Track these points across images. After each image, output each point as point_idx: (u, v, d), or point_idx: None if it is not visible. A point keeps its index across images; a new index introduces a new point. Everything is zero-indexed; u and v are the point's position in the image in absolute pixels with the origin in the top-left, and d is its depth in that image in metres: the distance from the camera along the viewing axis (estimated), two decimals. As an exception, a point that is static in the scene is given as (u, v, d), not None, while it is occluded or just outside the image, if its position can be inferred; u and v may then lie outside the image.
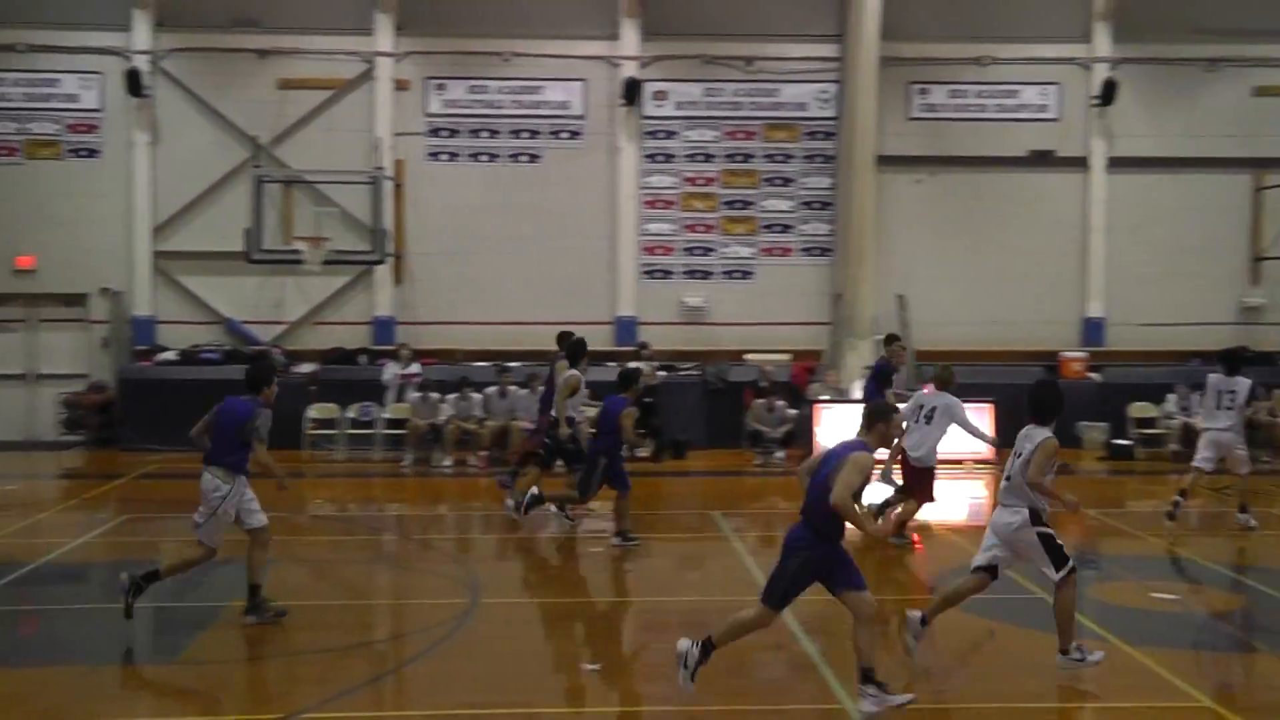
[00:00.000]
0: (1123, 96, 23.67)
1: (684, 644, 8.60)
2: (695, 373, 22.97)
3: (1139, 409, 21.98)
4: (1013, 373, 22.37)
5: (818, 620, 10.75)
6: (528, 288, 23.69)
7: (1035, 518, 9.31)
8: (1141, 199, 24.15)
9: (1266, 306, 24.39)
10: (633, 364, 18.92)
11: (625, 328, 23.73)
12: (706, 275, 24.37)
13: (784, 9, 24.13)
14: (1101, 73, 23.85)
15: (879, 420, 8.76)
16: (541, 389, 17.12)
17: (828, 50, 24.01)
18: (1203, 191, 24.29)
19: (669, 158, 24.23)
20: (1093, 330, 24.10)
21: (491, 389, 20.91)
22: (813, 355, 23.60)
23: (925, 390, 14.56)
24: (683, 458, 21.34)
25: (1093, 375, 22.89)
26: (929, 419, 13.88)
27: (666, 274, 24.30)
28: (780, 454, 20.84)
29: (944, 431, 13.92)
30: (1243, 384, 14.87)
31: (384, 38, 23.50)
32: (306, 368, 22.51)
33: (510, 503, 15.51)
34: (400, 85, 23.67)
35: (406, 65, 23.73)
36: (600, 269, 23.99)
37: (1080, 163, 24.11)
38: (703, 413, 22.47)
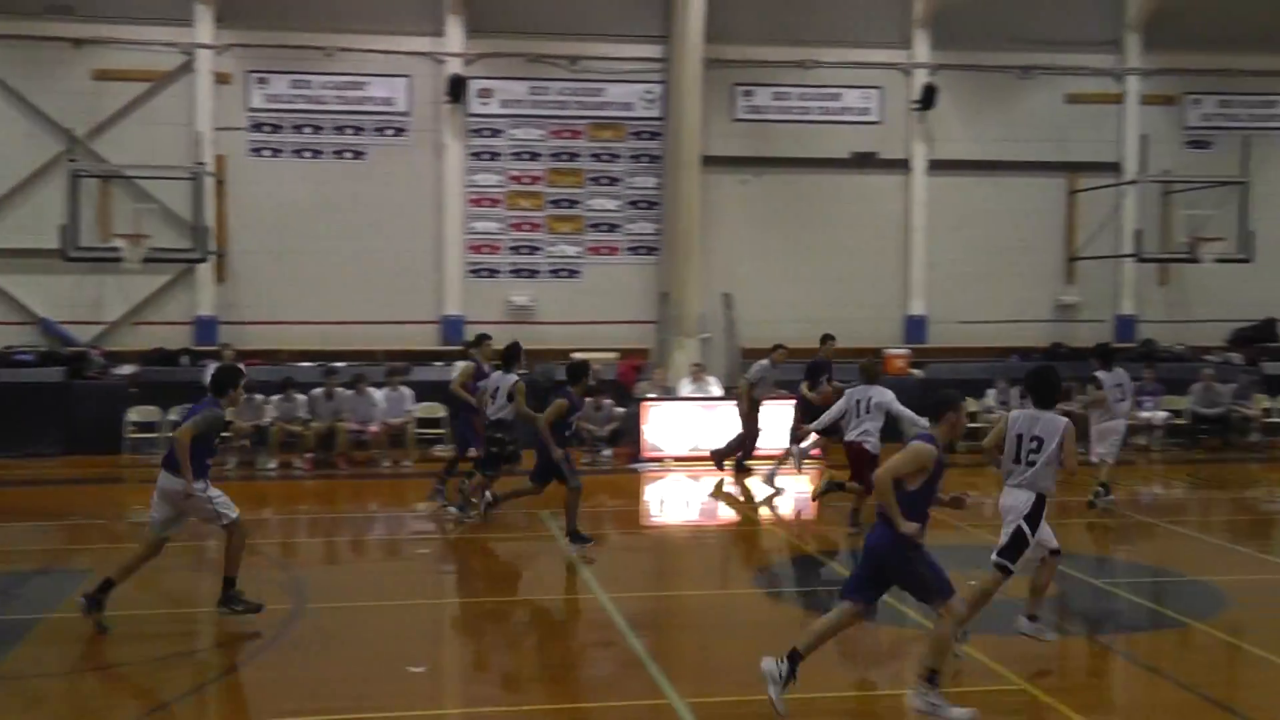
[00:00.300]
0: (942, 101, 24.28)
1: (768, 663, 8.24)
2: (523, 372, 22.75)
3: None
4: (836, 371, 22.88)
5: (646, 616, 10.78)
6: (353, 286, 23.34)
7: (1038, 506, 9.50)
8: (961, 200, 24.80)
9: (1081, 304, 25.25)
10: (578, 355, 18.44)
11: (452, 326, 23.48)
12: (533, 274, 24.27)
13: (609, 9, 24.15)
14: (921, 78, 24.44)
15: (948, 410, 8.75)
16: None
17: (652, 51, 24.09)
18: (1020, 194, 25.05)
19: (494, 156, 24.07)
20: (915, 328, 24.67)
21: (317, 390, 20.48)
22: (640, 354, 23.70)
23: (858, 385, 14.82)
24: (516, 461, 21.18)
25: (915, 372, 23.40)
26: (866, 410, 14.42)
27: (493, 273, 24.14)
28: (607, 452, 20.84)
29: (881, 421, 14.47)
30: (1126, 375, 16.19)
31: (204, 29, 22.83)
32: (126, 369, 21.78)
33: (453, 509, 15.33)
34: (221, 78, 23.05)
35: (227, 58, 23.11)
36: (426, 267, 23.71)
37: (902, 165, 24.68)
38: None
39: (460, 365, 17.33)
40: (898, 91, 24.62)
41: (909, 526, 8.30)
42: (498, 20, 23.76)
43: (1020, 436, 9.55)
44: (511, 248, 24.19)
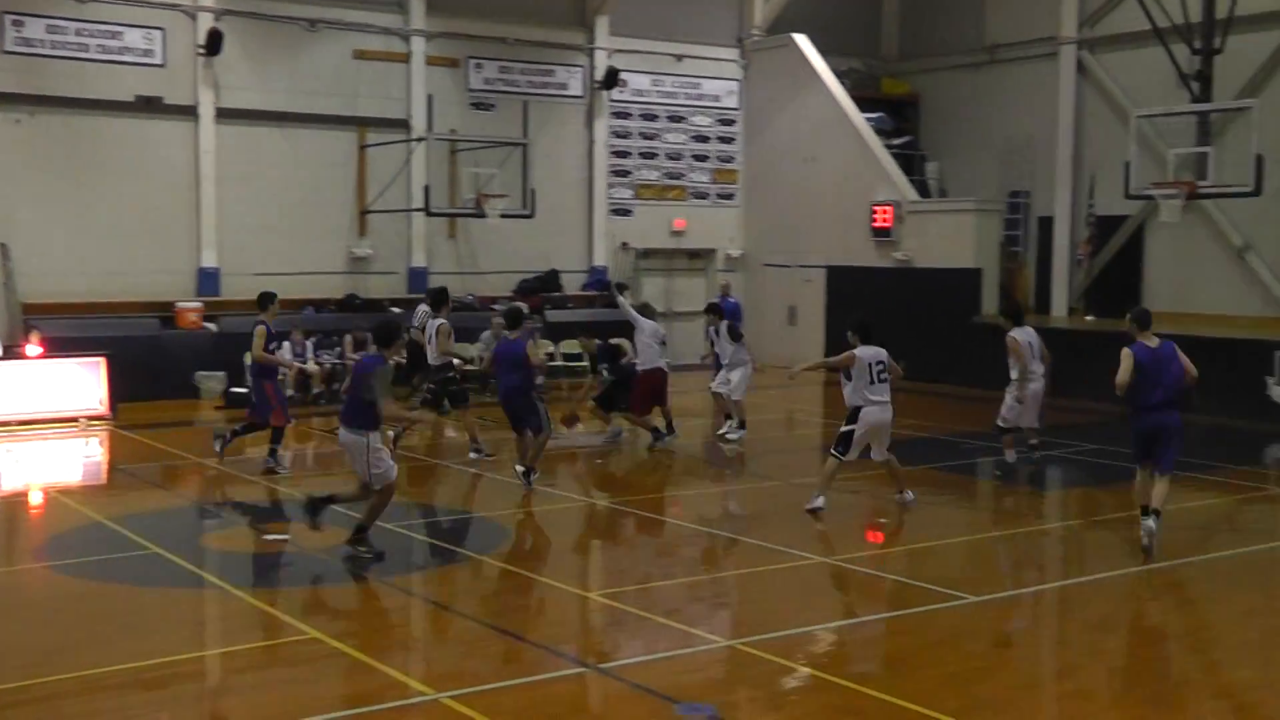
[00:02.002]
0: (230, 49, 23.66)
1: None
2: None
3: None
4: (128, 325, 22.01)
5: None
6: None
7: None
8: (252, 151, 24.34)
9: (374, 257, 25.69)
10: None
11: None
12: None
13: None
14: (207, 22, 23.63)
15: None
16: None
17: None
18: (311, 146, 24.99)
19: None
20: (208, 281, 23.95)
21: None
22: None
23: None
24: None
25: (209, 325, 22.82)
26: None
27: None
28: None
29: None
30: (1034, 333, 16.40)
31: None
32: None
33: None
34: None
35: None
36: None
37: (189, 111, 23.75)
38: None
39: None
40: (183, 34, 23.62)
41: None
42: None
43: (870, 365, 13.05)
44: None
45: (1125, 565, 11.50)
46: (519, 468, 14.77)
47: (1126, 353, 11.49)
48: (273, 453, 15.92)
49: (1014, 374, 15.81)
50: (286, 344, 22.01)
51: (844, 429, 13.30)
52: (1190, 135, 22.86)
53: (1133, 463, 11.94)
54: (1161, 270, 26.16)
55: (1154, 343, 11.59)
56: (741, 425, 18.42)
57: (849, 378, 13.23)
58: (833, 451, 13.36)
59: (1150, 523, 11.28)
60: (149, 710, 7.82)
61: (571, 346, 23.94)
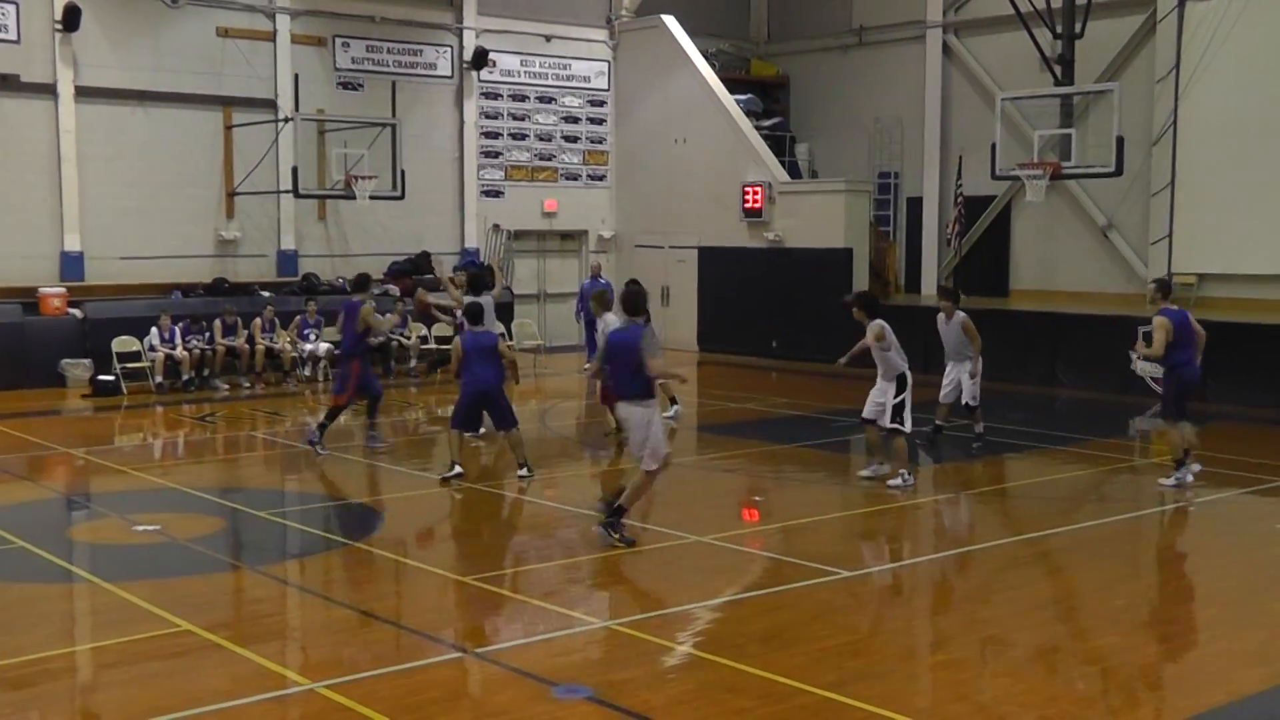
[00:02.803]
0: (88, 24, 23.02)
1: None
2: None
3: (122, 343, 21.72)
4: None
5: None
6: None
7: None
8: (115, 131, 23.73)
9: (242, 239, 25.22)
10: None
11: None
12: None
13: None
14: (63, -2, 22.98)
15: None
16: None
17: None
18: (177, 126, 24.42)
19: None
20: (71, 265, 23.30)
21: None
22: None
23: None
24: None
25: (74, 311, 22.22)
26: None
27: None
28: None
29: None
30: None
31: None
32: None
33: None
34: None
35: None
36: None
37: (48, 90, 23.05)
38: None
39: None
40: (39, 9, 22.89)
41: None
42: None
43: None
44: None
45: (998, 537, 11.78)
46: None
47: (1162, 320, 13.11)
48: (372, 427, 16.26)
49: (972, 352, 16.17)
50: (154, 329, 21.60)
51: (896, 400, 13.45)
52: (1054, 117, 23.41)
53: (1176, 418, 13.57)
54: (1027, 249, 26.81)
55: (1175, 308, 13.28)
56: (673, 401, 18.41)
57: (885, 350, 13.47)
58: (896, 427, 13.50)
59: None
60: (17, 710, 7.60)
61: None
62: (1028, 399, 20.58)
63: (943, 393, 16.38)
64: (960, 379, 16.21)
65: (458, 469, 14.12)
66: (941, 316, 16.30)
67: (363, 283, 16.29)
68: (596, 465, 16.34)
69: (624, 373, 11.27)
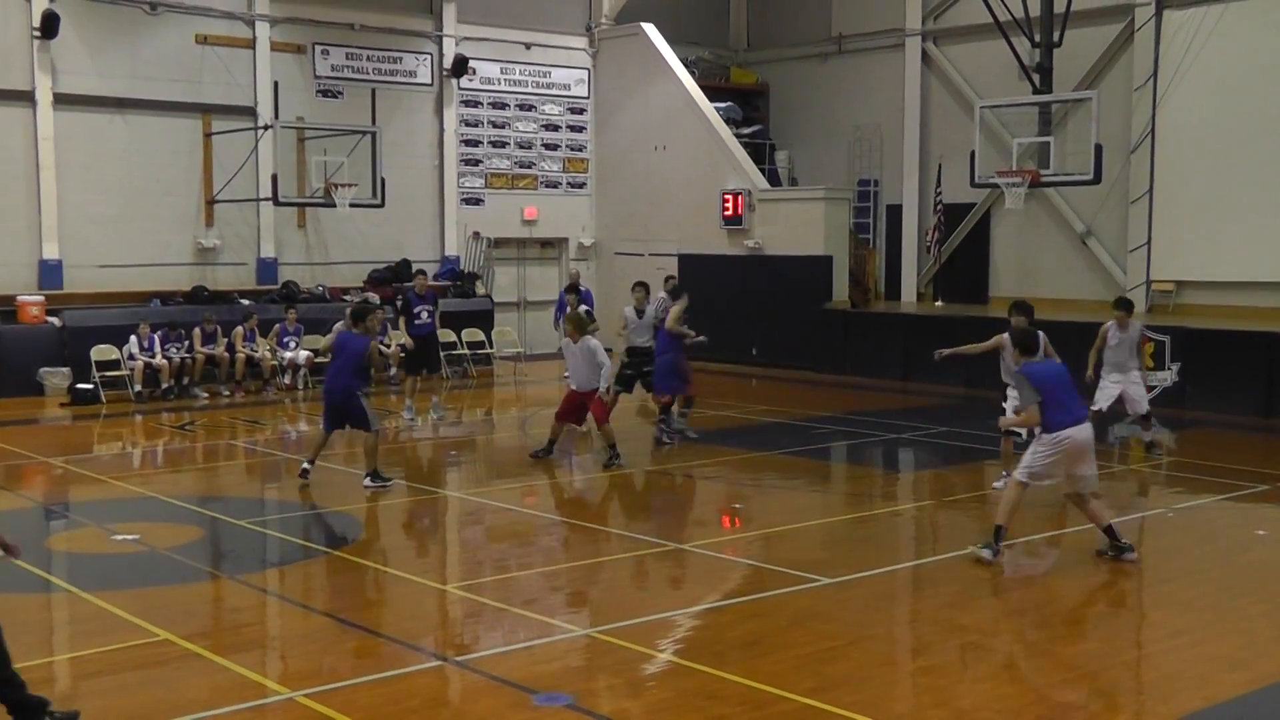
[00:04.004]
0: (66, 31, 22.93)
1: None
2: None
3: (101, 351, 21.66)
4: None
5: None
6: None
7: None
8: (93, 139, 23.64)
9: (221, 247, 25.15)
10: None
11: None
12: None
13: None
14: (42, 4, 22.83)
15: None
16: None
17: None
18: (155, 134, 24.34)
19: None
20: (50, 273, 23.19)
21: None
22: None
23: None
24: None
25: (52, 319, 22.12)
26: None
27: None
28: None
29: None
30: None
31: None
32: None
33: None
34: None
35: None
36: None
37: (26, 97, 22.96)
38: None
39: None
40: (16, 16, 22.80)
41: None
42: None
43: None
44: None
45: (975, 544, 11.79)
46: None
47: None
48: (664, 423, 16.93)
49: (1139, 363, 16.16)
50: (133, 337, 21.53)
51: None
52: (1032, 125, 23.52)
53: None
54: (1007, 256, 26.90)
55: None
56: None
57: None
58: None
59: None
60: (-8, 721, 7.56)
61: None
62: (1007, 406, 20.64)
63: (1105, 405, 15.76)
64: (1126, 389, 15.79)
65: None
66: (1114, 325, 15.73)
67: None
68: (577, 472, 16.32)
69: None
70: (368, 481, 14.22)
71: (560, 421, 15.96)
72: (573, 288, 22.39)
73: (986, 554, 10.95)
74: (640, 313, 17.52)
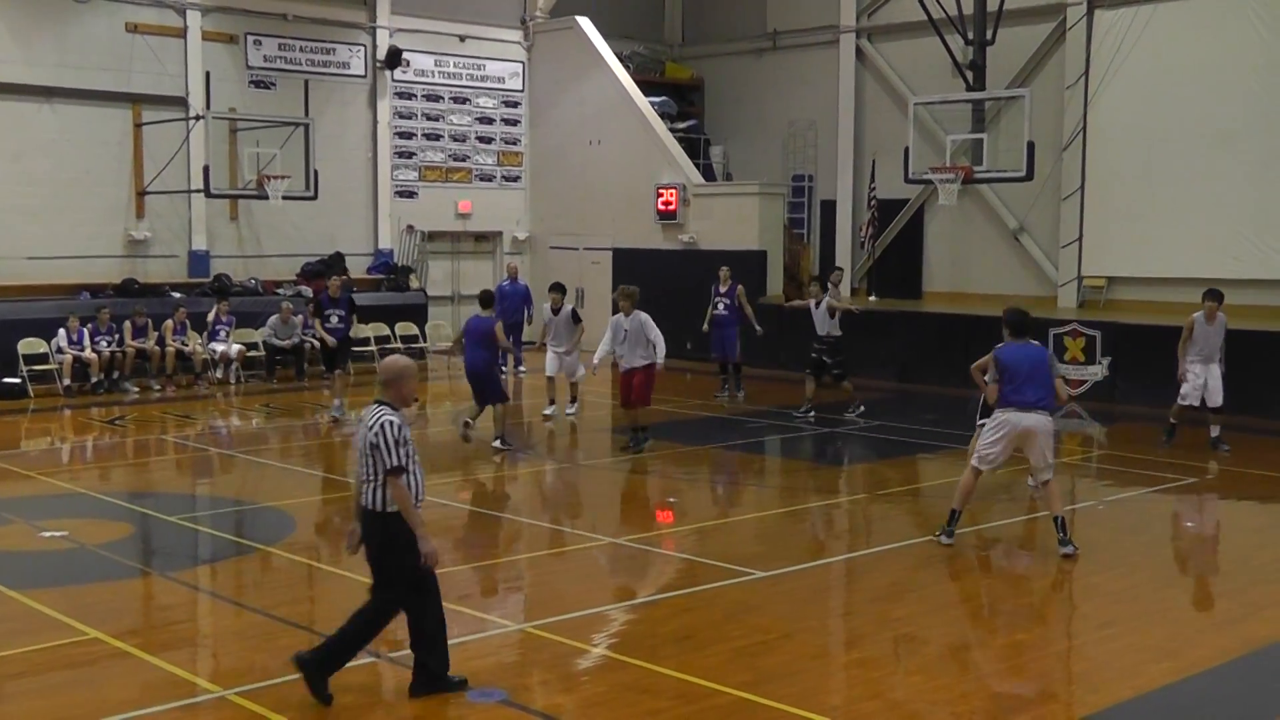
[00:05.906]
0: (-7, 20, 22.59)
1: None
2: None
3: (29, 345, 21.30)
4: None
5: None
6: None
7: None
8: (20, 128, 23.22)
9: (153, 239, 24.81)
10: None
11: None
12: None
13: None
14: (-34, -8, 22.50)
15: None
16: None
17: None
18: (84, 124, 23.95)
19: None
20: (-25, 266, 22.83)
21: None
22: None
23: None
24: None
25: (-24, 313, 21.74)
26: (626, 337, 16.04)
27: None
28: None
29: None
30: None
31: None
32: None
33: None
34: None
35: None
36: None
37: (-51, 86, 22.61)
38: None
39: None
40: (-60, 7, 22.47)
41: None
42: None
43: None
44: None
45: (909, 536, 11.90)
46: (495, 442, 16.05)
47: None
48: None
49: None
50: (62, 330, 21.21)
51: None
52: (966, 122, 23.73)
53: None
54: (940, 252, 27.12)
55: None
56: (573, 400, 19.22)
57: None
58: None
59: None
60: (-86, 722, 7.43)
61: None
62: (940, 400, 20.79)
63: (1191, 398, 16.09)
64: (1207, 380, 16.02)
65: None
66: (1202, 316, 15.94)
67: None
68: (510, 467, 16.28)
69: (1042, 383, 11.06)
70: (497, 444, 16.02)
71: (630, 408, 16.31)
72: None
73: (944, 539, 11.27)
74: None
